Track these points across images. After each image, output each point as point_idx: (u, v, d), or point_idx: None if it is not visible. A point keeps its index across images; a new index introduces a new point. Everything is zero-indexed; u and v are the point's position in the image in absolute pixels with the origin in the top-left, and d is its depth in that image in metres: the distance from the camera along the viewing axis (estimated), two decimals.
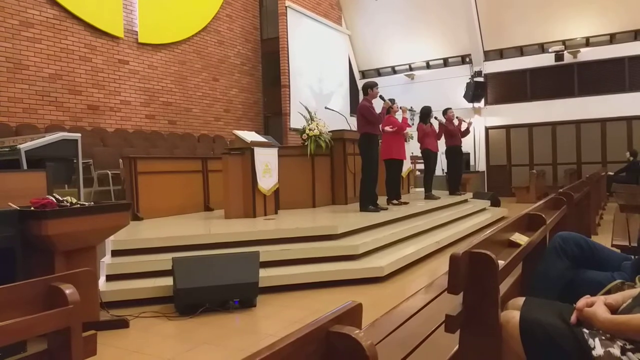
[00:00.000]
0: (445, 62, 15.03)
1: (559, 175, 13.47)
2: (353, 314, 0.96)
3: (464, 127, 9.14)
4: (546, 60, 13.42)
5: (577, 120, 13.17)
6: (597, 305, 1.43)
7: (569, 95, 13.24)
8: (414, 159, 10.39)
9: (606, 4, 12.17)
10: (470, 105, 14.03)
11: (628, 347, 1.33)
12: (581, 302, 1.47)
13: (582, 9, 12.55)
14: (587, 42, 12.98)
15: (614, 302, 1.46)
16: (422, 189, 8.78)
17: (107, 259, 4.36)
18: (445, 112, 8.96)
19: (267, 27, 13.30)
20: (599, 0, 12.22)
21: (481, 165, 14.38)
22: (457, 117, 9.07)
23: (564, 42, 13.15)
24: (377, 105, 6.57)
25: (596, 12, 12.46)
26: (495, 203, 10.35)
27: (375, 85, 6.50)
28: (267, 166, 6.24)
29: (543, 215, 2.18)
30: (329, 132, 7.32)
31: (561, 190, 3.48)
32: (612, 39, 12.70)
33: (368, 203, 6.38)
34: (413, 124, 9.24)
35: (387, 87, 13.50)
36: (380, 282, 4.64)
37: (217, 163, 6.72)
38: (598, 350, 1.35)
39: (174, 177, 6.88)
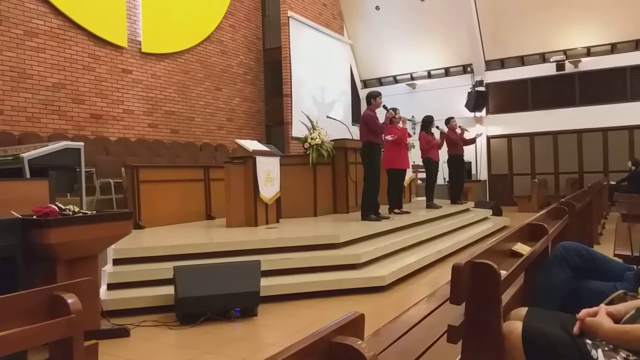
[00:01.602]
0: (447, 72, 15.08)
1: (560, 185, 13.46)
2: (355, 325, 0.96)
3: (467, 135, 9.15)
4: (547, 69, 13.46)
5: (579, 129, 13.18)
6: (600, 315, 1.42)
7: (570, 104, 13.26)
8: (415, 168, 10.40)
9: (607, 13, 12.23)
10: (472, 114, 14.05)
11: (631, 358, 1.32)
12: (583, 313, 1.46)
13: (583, 19, 12.60)
14: (588, 52, 13.02)
15: (616, 312, 1.45)
16: (424, 198, 8.77)
17: (108, 267, 4.36)
18: (448, 121, 9.00)
19: (270, 37, 13.39)
20: (600, 10, 12.27)
21: (483, 175, 14.37)
22: (459, 127, 9.09)
23: (565, 51, 13.20)
24: (380, 115, 6.59)
25: (597, 22, 12.52)
26: (497, 212, 10.33)
27: (379, 95, 6.52)
28: (269, 175, 6.24)
29: (545, 225, 2.17)
30: (330, 141, 7.34)
31: (563, 199, 3.48)
32: (614, 48, 12.74)
33: (370, 212, 6.38)
34: (415, 133, 9.26)
35: (388, 96, 13.46)
36: (381, 291, 4.62)
37: (219, 172, 6.74)
38: None
39: (176, 185, 6.90)
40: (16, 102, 7.73)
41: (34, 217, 2.91)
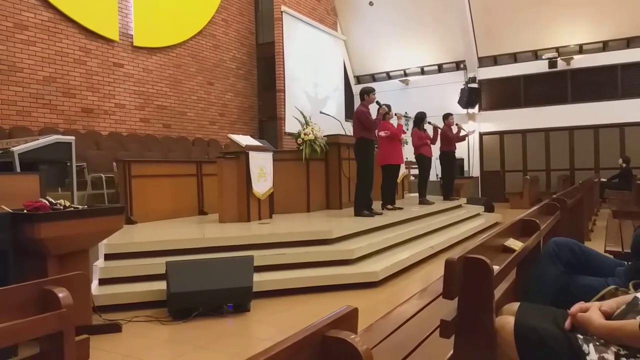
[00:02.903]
0: (440, 68, 15.11)
1: (552, 182, 13.55)
2: (349, 319, 0.96)
3: (462, 133, 9.15)
4: (540, 67, 13.53)
5: (571, 126, 13.27)
6: (591, 311, 1.43)
7: (562, 101, 13.34)
8: (408, 164, 10.42)
9: (599, 12, 12.29)
10: (465, 111, 14.09)
11: (622, 352, 1.33)
12: (575, 308, 1.47)
13: (575, 17, 12.66)
14: (581, 50, 13.09)
15: (608, 308, 1.46)
16: (416, 194, 8.80)
17: (100, 262, 4.34)
18: (446, 117, 8.99)
19: (263, 32, 13.34)
20: (592, 8, 12.34)
21: (475, 171, 14.43)
22: (456, 124, 9.08)
23: (557, 49, 13.26)
24: (374, 111, 6.59)
25: (589, 20, 12.58)
26: (489, 209, 10.38)
27: (372, 90, 6.51)
28: (262, 170, 6.23)
29: (537, 221, 2.19)
30: (324, 136, 7.32)
31: (555, 196, 3.50)
32: (605, 46, 12.82)
33: (363, 208, 6.38)
34: (408, 130, 9.26)
35: (382, 92, 13.51)
36: (374, 287, 4.63)
37: (212, 167, 6.71)
38: (592, 356, 1.35)
39: (168, 180, 6.86)
40: (6, 96, 7.65)
41: (25, 211, 2.89)
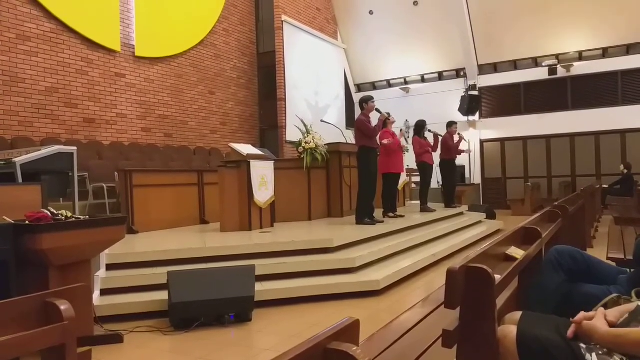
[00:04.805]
0: (440, 76, 15.15)
1: (553, 188, 13.53)
2: (350, 331, 0.96)
3: (463, 145, 9.12)
4: (540, 74, 13.55)
5: (571, 133, 13.27)
6: (597, 319, 1.42)
7: (562, 108, 13.35)
8: (409, 171, 10.42)
9: (599, 18, 12.34)
10: (465, 118, 14.11)
11: None
12: (580, 316, 1.47)
13: (575, 24, 12.71)
14: (580, 57, 13.12)
15: (612, 317, 1.46)
16: (418, 202, 8.78)
17: (101, 272, 4.33)
18: (449, 125, 8.99)
19: (264, 41, 13.41)
20: (591, 15, 12.38)
21: (476, 178, 14.42)
22: (458, 134, 9.07)
23: (557, 56, 13.29)
24: (375, 119, 6.60)
25: (589, 27, 12.62)
26: (491, 216, 10.36)
27: (371, 99, 6.53)
28: (264, 179, 6.23)
29: (539, 229, 2.18)
30: (325, 145, 7.34)
31: (556, 203, 3.50)
32: (605, 53, 12.85)
33: (364, 216, 6.38)
34: (409, 137, 9.25)
35: (382, 100, 13.55)
36: (376, 295, 4.61)
37: (213, 176, 6.72)
38: None
39: (170, 190, 6.87)
40: (8, 107, 7.69)
41: (27, 222, 2.89)
